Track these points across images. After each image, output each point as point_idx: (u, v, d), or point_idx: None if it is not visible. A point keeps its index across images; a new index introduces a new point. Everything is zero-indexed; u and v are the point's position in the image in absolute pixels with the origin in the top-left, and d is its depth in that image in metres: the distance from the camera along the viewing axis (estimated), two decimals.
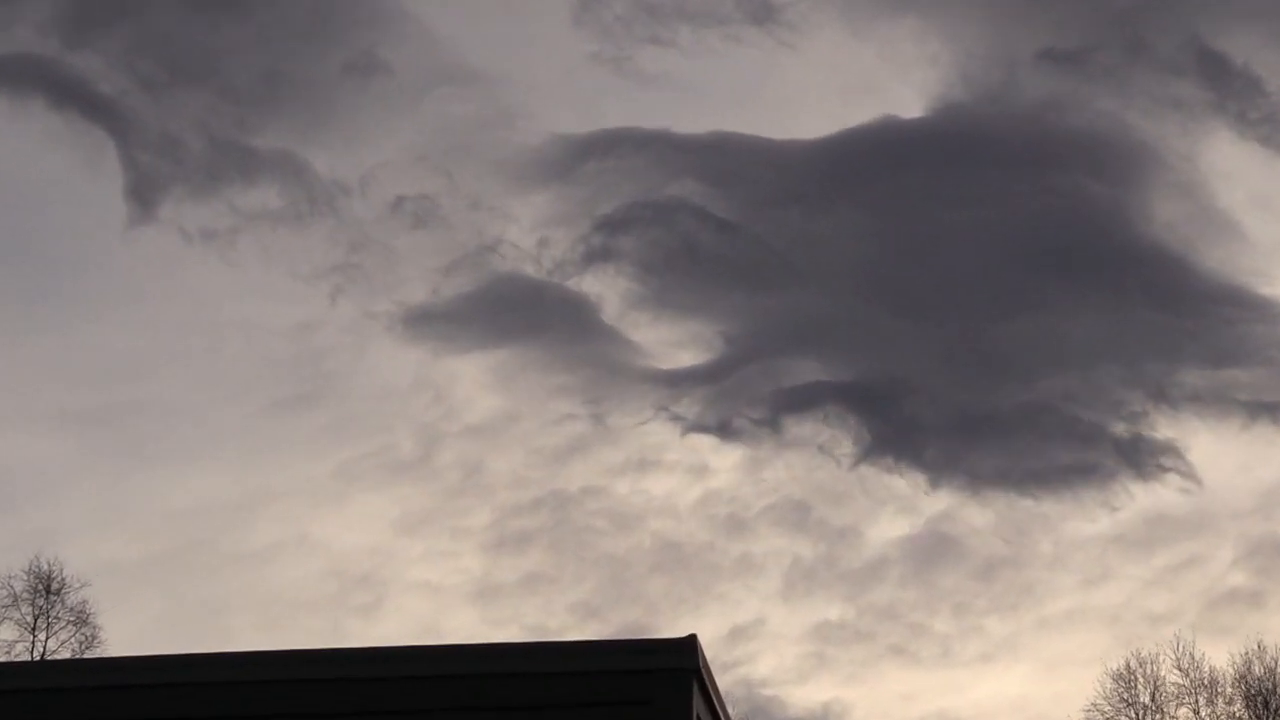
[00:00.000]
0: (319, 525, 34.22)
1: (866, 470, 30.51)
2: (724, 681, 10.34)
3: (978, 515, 30.16)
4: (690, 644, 7.38)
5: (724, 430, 31.16)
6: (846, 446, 30.81)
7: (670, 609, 30.37)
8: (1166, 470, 30.32)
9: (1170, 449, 30.52)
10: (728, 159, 33.77)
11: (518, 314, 33.30)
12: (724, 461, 31.53)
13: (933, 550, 30.36)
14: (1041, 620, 30.19)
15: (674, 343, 33.06)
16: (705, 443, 31.57)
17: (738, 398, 31.45)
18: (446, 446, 33.12)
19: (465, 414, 33.55)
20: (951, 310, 32.20)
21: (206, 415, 34.90)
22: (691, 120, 41.30)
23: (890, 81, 37.97)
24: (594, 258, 33.19)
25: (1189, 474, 30.44)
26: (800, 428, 30.99)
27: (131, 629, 26.80)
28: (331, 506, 34.26)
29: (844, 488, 30.73)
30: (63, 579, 24.17)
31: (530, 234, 34.35)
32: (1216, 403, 31.02)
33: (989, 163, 33.16)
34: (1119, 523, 30.31)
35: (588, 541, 31.35)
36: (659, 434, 31.78)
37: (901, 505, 30.74)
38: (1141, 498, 30.35)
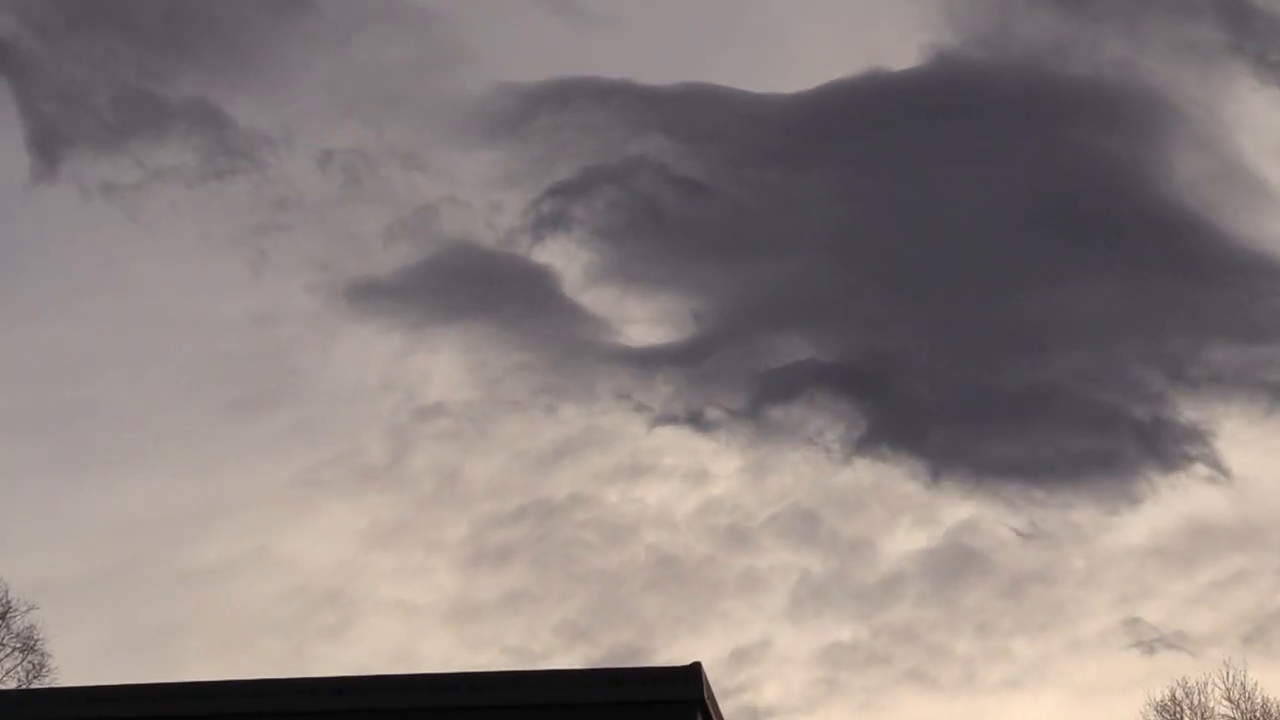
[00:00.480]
0: (279, 538, 31.76)
1: (861, 463, 28.78)
2: (726, 710, 9.99)
3: (998, 521, 28.74)
4: (694, 673, 7.41)
5: (697, 420, 29.39)
6: (838, 434, 29.14)
7: (666, 630, 28.57)
8: (1193, 460, 29.02)
9: (1195, 435, 29.33)
10: (698, 113, 32.51)
11: (471, 289, 31.94)
12: (725, 467, 29.92)
13: (954, 564, 28.37)
14: (1074, 642, 28.40)
15: (640, 320, 31.36)
16: (680, 437, 29.85)
17: (712, 383, 30.15)
18: (419, 450, 31.03)
19: (435, 414, 31.24)
20: (950, 281, 31.42)
21: (150, 416, 32.56)
22: (657, 70, 38.96)
23: (876, 26, 36.83)
24: (551, 225, 31.39)
25: (1216, 464, 29.16)
26: (785, 415, 29.65)
27: (73, 653, 25.02)
28: (292, 517, 31.71)
29: (855, 495, 29.10)
30: (8, 601, 22.98)
31: (479, 196, 32.57)
32: (1244, 384, 29.87)
33: (987, 116, 32.12)
34: (1157, 531, 29.05)
35: (575, 555, 29.42)
36: (630, 428, 29.84)
37: (919, 515, 28.90)
38: (1166, 492, 28.87)
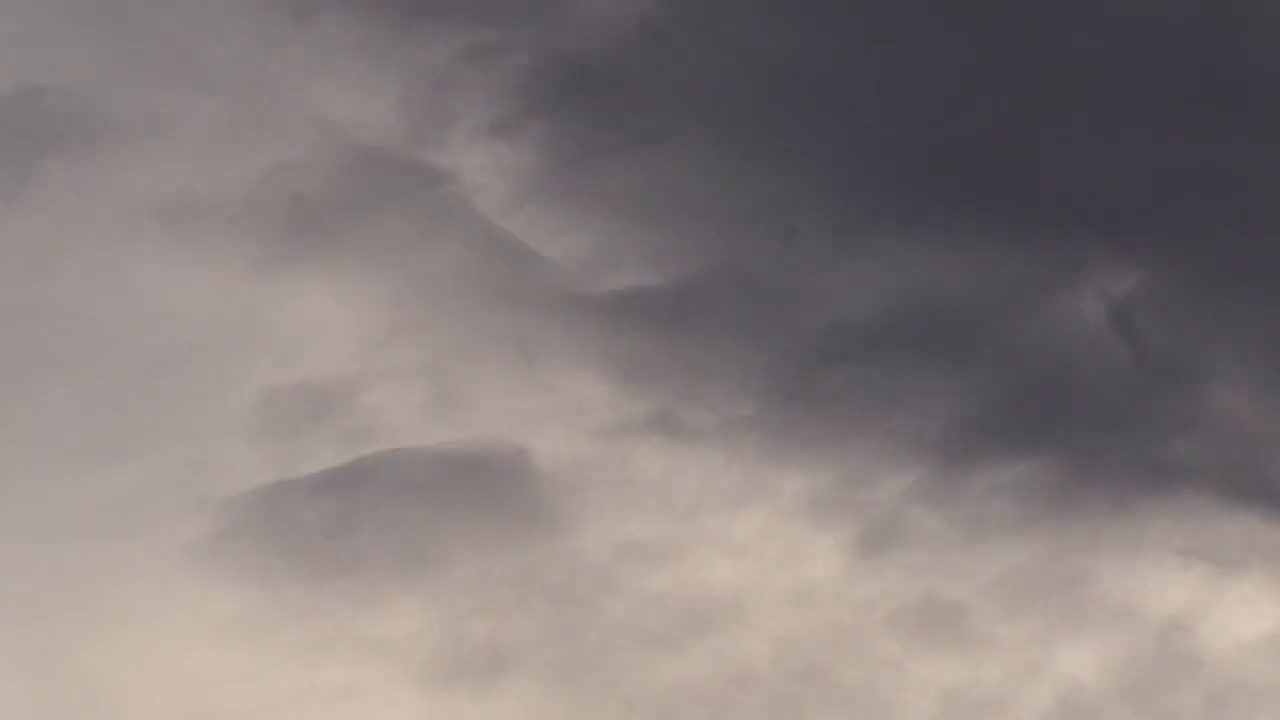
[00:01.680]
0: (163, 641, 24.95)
1: (968, 484, 22.36)
2: None
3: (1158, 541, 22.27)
4: None
5: (669, 424, 22.82)
6: (910, 433, 22.74)
7: None
8: None
9: None
10: None
11: (339, 209, 25.18)
12: (820, 543, 22.94)
13: (1160, 674, 22.45)
14: None
15: (591, 251, 24.94)
16: (653, 448, 23.25)
17: (685, 364, 23.65)
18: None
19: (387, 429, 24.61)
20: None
21: None
22: None
23: None
24: (442, 115, 25.21)
25: None
26: (821, 403, 23.01)
27: None
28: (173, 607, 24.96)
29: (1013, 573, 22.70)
30: None
31: (338, 72, 26.26)
32: None
33: None
34: None
35: (609, 666, 22.55)
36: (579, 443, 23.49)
37: (1110, 609, 22.74)
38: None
